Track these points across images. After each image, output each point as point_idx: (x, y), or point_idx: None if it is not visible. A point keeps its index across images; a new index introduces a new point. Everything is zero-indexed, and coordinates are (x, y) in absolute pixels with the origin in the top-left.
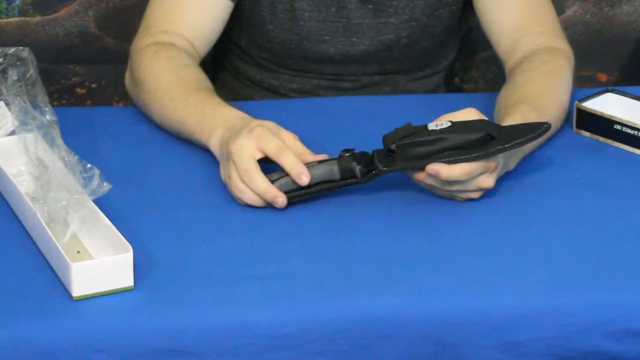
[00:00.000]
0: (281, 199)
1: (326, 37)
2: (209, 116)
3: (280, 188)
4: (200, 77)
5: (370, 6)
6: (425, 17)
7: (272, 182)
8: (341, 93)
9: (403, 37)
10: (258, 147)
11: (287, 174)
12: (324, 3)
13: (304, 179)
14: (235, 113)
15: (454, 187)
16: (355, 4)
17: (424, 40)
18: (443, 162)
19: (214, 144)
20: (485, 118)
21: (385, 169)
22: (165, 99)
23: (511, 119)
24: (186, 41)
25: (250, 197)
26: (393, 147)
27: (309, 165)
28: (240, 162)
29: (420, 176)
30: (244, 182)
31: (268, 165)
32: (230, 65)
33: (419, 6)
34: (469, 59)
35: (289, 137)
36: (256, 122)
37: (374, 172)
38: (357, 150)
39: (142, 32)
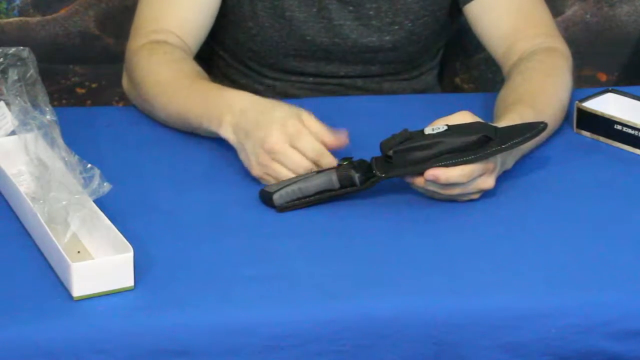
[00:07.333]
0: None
1: (308, 37)
2: (215, 98)
3: (280, 198)
4: (199, 69)
5: (351, 8)
6: (409, 21)
7: (272, 193)
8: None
9: (386, 40)
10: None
11: (287, 185)
12: (304, 3)
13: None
14: (243, 94)
15: (455, 191)
16: (336, 5)
17: (409, 45)
18: (441, 165)
19: (225, 124)
20: (480, 120)
21: (383, 175)
22: (167, 92)
23: (509, 119)
24: (177, 38)
25: (292, 157)
26: (390, 153)
27: (307, 176)
28: (288, 126)
29: (419, 182)
30: (291, 144)
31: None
32: (219, 71)
33: (402, 10)
34: (469, 59)
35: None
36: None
37: (372, 179)
38: (355, 159)
39: (134, 34)
